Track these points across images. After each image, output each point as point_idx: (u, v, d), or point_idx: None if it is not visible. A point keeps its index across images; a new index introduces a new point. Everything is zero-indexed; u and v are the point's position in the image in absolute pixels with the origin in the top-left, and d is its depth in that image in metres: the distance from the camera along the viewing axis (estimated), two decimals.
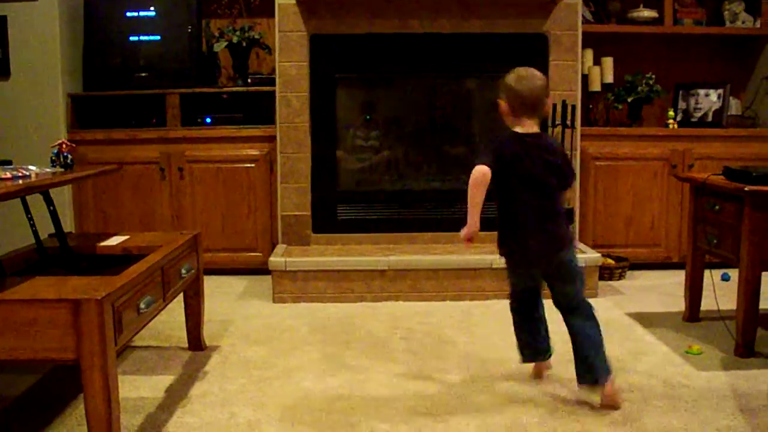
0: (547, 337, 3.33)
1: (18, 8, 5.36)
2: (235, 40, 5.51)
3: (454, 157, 5.50)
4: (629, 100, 5.60)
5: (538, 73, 3.13)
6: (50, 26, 5.36)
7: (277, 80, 5.14)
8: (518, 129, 3.08)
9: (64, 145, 3.51)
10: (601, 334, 3.06)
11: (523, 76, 3.09)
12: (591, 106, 5.69)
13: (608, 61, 5.64)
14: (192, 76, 5.51)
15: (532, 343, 3.31)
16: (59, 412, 3.03)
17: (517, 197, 3.05)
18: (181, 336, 3.89)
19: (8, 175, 3.05)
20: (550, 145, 3.14)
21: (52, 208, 3.58)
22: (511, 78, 3.10)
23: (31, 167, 3.25)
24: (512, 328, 3.71)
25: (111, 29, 5.56)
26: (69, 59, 5.49)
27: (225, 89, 5.58)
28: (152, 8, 5.55)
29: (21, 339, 2.45)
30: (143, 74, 5.49)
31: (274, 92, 5.18)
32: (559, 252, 3.06)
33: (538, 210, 3.04)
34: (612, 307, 4.57)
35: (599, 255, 4.88)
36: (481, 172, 2.97)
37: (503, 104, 3.11)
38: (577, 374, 3.07)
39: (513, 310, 3.32)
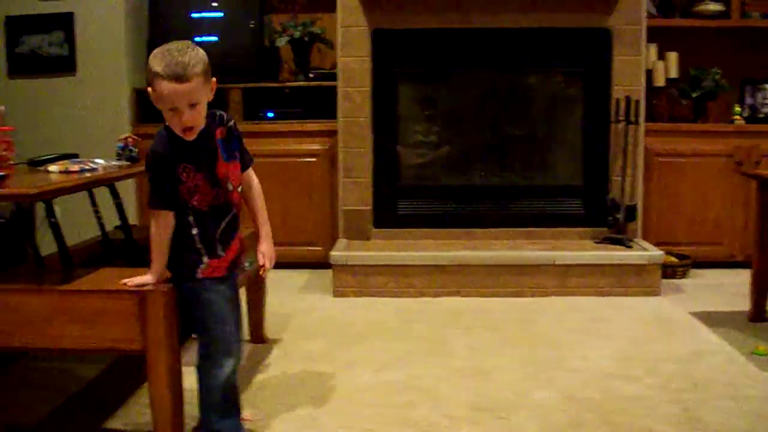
0: None
1: (84, 4, 5.45)
2: (297, 35, 5.54)
3: (513, 153, 5.47)
4: (694, 95, 5.51)
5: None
6: (115, 21, 5.45)
7: (339, 75, 5.16)
8: None
9: (130, 139, 3.56)
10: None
11: None
12: (655, 101, 5.61)
13: (673, 56, 5.56)
14: (254, 70, 5.57)
15: None
16: (123, 401, 3.08)
17: None
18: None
19: (76, 168, 3.11)
20: None
21: (118, 200, 3.64)
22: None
23: (98, 160, 3.31)
24: (572, 325, 3.62)
25: (174, 24, 5.62)
26: (133, 54, 5.57)
27: (287, 84, 5.62)
28: (215, 3, 5.61)
29: (87, 328, 2.50)
30: None
31: (335, 87, 5.19)
32: None
33: None
34: (674, 306, 4.51)
35: (662, 252, 4.82)
36: None
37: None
38: None
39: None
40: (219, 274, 2.56)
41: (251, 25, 5.58)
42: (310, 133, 5.38)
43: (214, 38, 5.57)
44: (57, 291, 2.54)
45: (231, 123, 2.61)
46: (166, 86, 2.33)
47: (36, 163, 3.35)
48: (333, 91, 5.22)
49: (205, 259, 2.54)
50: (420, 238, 5.16)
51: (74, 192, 2.87)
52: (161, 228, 2.49)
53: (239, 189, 2.65)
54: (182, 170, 2.46)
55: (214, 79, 2.47)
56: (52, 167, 3.15)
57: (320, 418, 2.92)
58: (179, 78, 2.32)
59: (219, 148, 2.54)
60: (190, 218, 2.51)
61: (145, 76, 2.46)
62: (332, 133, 5.26)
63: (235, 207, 2.62)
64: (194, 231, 2.52)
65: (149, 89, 2.41)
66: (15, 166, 3.26)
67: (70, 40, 5.51)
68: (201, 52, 2.41)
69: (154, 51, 2.39)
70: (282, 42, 5.58)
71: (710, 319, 4.22)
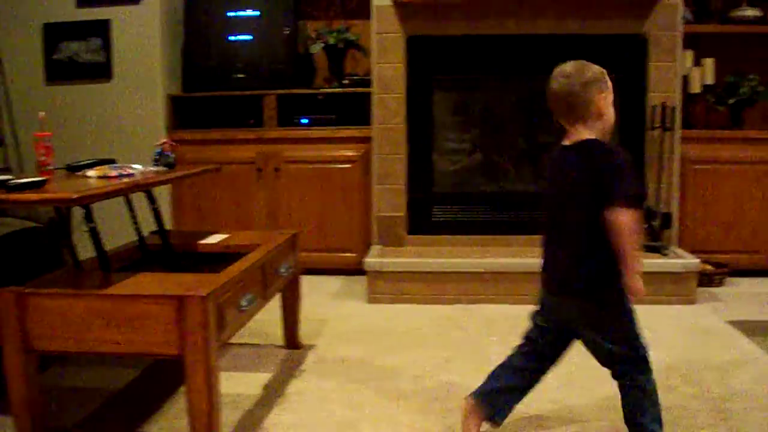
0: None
1: (121, 12, 5.50)
2: (331, 41, 5.55)
3: None
4: (730, 102, 5.45)
5: (566, 67, 2.74)
6: (151, 29, 5.49)
7: (374, 82, 5.16)
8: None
9: (167, 145, 3.57)
10: None
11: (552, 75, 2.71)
12: (690, 108, 5.56)
13: (709, 62, 5.51)
14: (288, 77, 5.58)
15: None
16: (158, 407, 3.09)
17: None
18: (277, 334, 3.92)
19: (114, 173, 3.12)
20: (569, 158, 2.71)
21: (154, 206, 3.65)
22: None
23: (135, 166, 3.32)
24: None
25: (210, 31, 5.67)
26: (169, 61, 5.61)
27: (321, 90, 5.63)
28: (250, 10, 5.63)
29: (125, 333, 2.51)
30: (241, 75, 5.57)
31: (369, 93, 5.20)
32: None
33: (548, 240, 2.82)
34: (711, 314, 4.46)
35: (698, 260, 4.77)
36: None
37: None
38: None
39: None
40: None
41: (286, 32, 5.60)
42: (344, 140, 5.39)
43: (248, 37, 5.61)
44: (96, 295, 2.55)
45: None
46: None
47: (74, 168, 3.36)
48: (367, 97, 5.22)
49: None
50: (454, 245, 5.14)
51: (113, 197, 2.87)
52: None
53: None
54: None
55: None
56: (91, 172, 3.17)
57: (358, 424, 2.92)
58: None
59: None
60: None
61: (585, 85, 2.68)
62: (366, 140, 5.26)
63: None
64: None
65: (602, 95, 2.64)
66: (54, 171, 3.29)
67: (106, 46, 5.55)
68: None
69: (579, 66, 2.73)
70: (317, 49, 5.60)
71: (747, 327, 4.16)
